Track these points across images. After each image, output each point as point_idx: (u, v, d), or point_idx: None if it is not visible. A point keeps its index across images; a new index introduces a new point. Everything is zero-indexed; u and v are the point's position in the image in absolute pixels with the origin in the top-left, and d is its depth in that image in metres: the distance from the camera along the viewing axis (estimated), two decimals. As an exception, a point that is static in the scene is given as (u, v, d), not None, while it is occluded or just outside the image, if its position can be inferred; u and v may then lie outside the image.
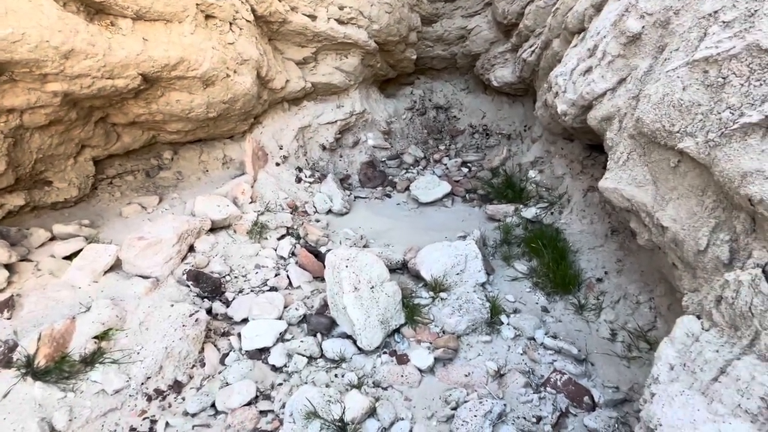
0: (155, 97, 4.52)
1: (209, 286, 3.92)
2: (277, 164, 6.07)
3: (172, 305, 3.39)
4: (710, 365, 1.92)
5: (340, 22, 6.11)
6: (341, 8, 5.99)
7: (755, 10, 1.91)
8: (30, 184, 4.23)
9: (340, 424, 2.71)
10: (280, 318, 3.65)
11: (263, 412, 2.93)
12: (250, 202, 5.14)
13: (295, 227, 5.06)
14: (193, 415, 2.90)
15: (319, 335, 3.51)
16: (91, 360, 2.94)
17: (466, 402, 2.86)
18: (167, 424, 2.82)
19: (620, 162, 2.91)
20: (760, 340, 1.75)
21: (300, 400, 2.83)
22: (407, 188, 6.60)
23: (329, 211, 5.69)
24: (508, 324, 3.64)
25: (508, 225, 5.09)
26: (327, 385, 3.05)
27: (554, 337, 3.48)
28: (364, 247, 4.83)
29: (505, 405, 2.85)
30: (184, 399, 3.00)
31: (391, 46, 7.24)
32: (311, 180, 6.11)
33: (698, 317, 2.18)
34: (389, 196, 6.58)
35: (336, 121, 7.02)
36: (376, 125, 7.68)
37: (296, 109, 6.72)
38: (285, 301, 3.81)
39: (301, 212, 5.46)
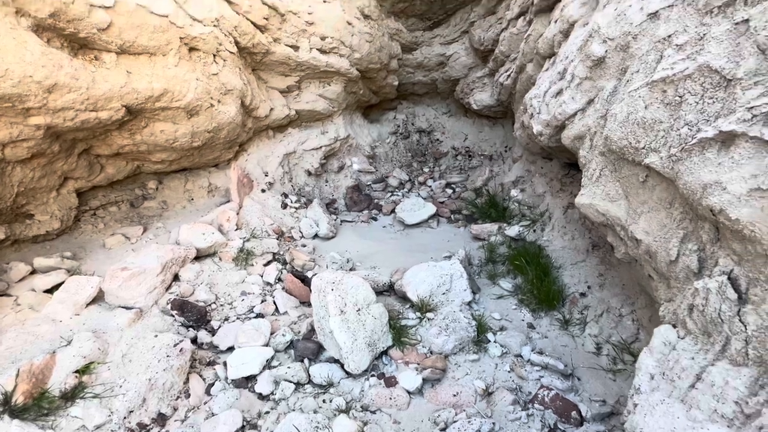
0: (139, 128, 4.56)
1: (194, 315, 3.88)
2: (263, 191, 6.10)
3: (156, 336, 3.35)
4: (687, 372, 1.97)
5: (322, 51, 6.28)
6: (323, 38, 6.17)
7: (704, 34, 2.05)
8: (11, 217, 4.19)
9: (328, 450, 2.67)
10: (267, 345, 3.61)
11: (250, 442, 2.87)
12: (236, 229, 5.14)
13: (281, 253, 5.06)
14: (178, 449, 2.83)
15: (306, 360, 3.48)
16: (71, 395, 2.87)
17: (455, 422, 2.85)
18: (150, 458, 2.74)
19: (593, 178, 3.01)
20: (730, 345, 1.81)
21: (287, 427, 2.78)
22: (393, 211, 6.67)
23: (316, 236, 5.71)
24: (494, 342, 3.66)
25: (492, 244, 5.16)
26: (315, 411, 3.01)
27: (540, 353, 3.50)
28: (351, 270, 4.85)
29: (494, 423, 2.84)
30: (168, 432, 2.93)
31: (373, 73, 7.44)
32: (297, 205, 6.15)
33: (674, 326, 2.24)
34: (375, 219, 6.64)
35: (321, 147, 7.12)
36: (361, 150, 7.81)
37: (281, 135, 6.82)
38: (271, 328, 3.78)
39: (287, 238, 5.47)
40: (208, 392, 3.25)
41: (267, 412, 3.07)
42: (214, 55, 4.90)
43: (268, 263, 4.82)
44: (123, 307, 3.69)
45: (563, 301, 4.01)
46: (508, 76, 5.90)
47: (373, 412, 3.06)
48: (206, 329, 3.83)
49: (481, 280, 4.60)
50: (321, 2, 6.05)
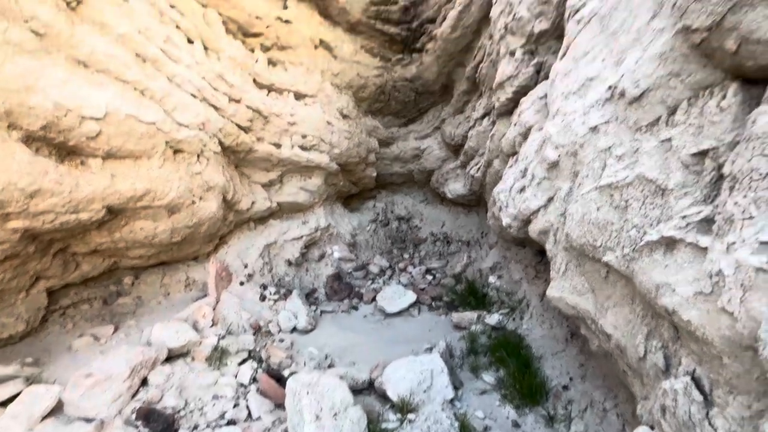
0: (119, 226, 4.62)
1: (160, 425, 3.62)
2: (242, 283, 6.05)
3: (116, 452, 3.10)
4: (668, 481, 1.91)
5: (303, 148, 6.66)
6: (304, 137, 6.58)
7: (637, 148, 2.31)
8: (-27, 322, 4.04)
9: None
10: (237, 457, 3.36)
11: None
12: (212, 326, 5.01)
13: (257, 350, 4.89)
14: None
15: (278, 474, 3.22)
16: None
17: None
18: None
19: (560, 272, 3.13)
20: (705, 450, 1.78)
21: None
22: (374, 299, 6.63)
23: (294, 329, 5.57)
24: (479, 444, 3.48)
25: (473, 333, 5.11)
26: None
27: (528, 455, 3.33)
28: (329, 366, 4.68)
29: None
30: None
31: (352, 166, 7.85)
32: (276, 297, 6.07)
33: (652, 428, 2.20)
34: (356, 309, 6.56)
35: (302, 237, 7.24)
36: (342, 238, 7.94)
37: (262, 227, 6.94)
38: (243, 437, 3.54)
39: (264, 332, 5.33)
40: None
41: None
42: (198, 155, 5.14)
43: (244, 362, 4.63)
44: (83, 419, 3.44)
45: (546, 395, 3.91)
46: (478, 169, 6.29)
47: None
48: (172, 441, 3.56)
49: (463, 373, 4.48)
50: (303, 105, 6.55)
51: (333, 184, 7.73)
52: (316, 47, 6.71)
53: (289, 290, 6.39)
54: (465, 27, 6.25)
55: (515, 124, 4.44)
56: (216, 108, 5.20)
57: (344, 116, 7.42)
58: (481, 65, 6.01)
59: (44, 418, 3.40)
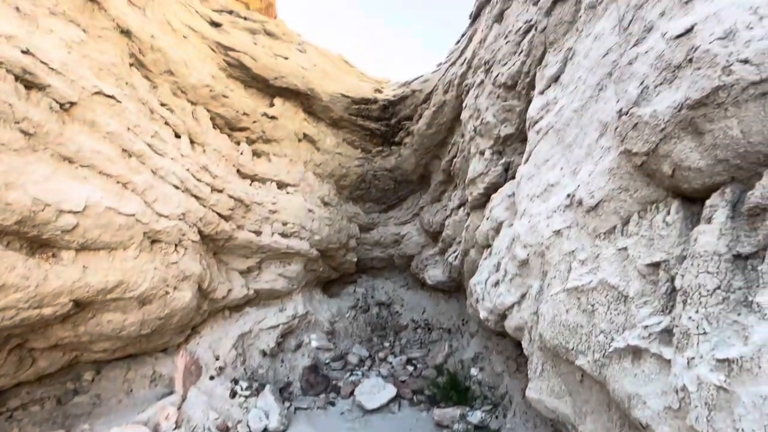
0: (85, 319, 4.42)
1: None
2: (212, 377, 5.72)
3: None
4: None
5: (283, 235, 6.72)
6: (284, 224, 6.67)
7: (598, 254, 2.41)
8: None
9: None
10: None
11: None
12: (174, 428, 4.63)
13: (222, 456, 4.49)
14: None
15: None
16: None
17: None
18: None
19: (537, 372, 3.07)
20: None
21: None
22: (352, 393, 6.29)
23: (265, 430, 5.18)
24: None
25: (455, 433, 4.83)
26: None
27: None
28: (300, 475, 4.30)
29: None
30: None
31: (333, 252, 7.89)
32: (248, 393, 5.71)
33: None
34: (333, 404, 6.19)
35: (278, 325, 7.01)
36: (320, 326, 7.72)
37: (237, 315, 6.73)
38: None
39: (231, 435, 4.94)
40: None
41: None
42: (176, 245, 5.12)
43: (205, 471, 4.23)
44: None
45: (534, 507, 3.62)
46: (456, 256, 6.39)
47: None
48: None
49: (445, 482, 4.16)
50: (285, 193, 6.74)
51: (312, 270, 7.70)
52: (300, 140, 7.07)
53: (262, 384, 6.04)
54: (439, 125, 6.73)
55: (487, 218, 4.62)
56: (198, 198, 5.30)
57: (325, 204, 7.62)
58: (455, 160, 6.39)
59: None
